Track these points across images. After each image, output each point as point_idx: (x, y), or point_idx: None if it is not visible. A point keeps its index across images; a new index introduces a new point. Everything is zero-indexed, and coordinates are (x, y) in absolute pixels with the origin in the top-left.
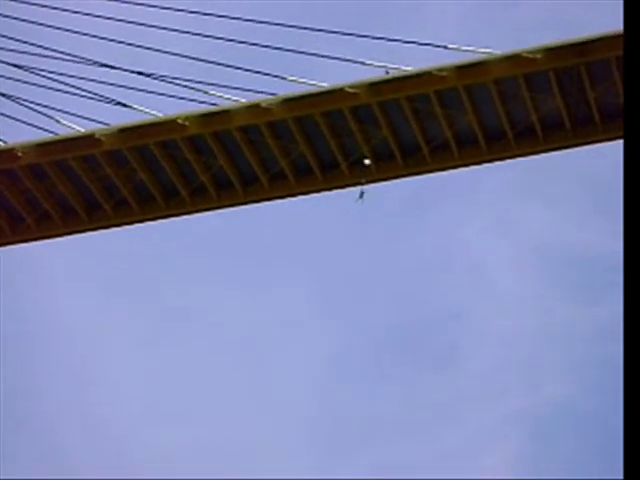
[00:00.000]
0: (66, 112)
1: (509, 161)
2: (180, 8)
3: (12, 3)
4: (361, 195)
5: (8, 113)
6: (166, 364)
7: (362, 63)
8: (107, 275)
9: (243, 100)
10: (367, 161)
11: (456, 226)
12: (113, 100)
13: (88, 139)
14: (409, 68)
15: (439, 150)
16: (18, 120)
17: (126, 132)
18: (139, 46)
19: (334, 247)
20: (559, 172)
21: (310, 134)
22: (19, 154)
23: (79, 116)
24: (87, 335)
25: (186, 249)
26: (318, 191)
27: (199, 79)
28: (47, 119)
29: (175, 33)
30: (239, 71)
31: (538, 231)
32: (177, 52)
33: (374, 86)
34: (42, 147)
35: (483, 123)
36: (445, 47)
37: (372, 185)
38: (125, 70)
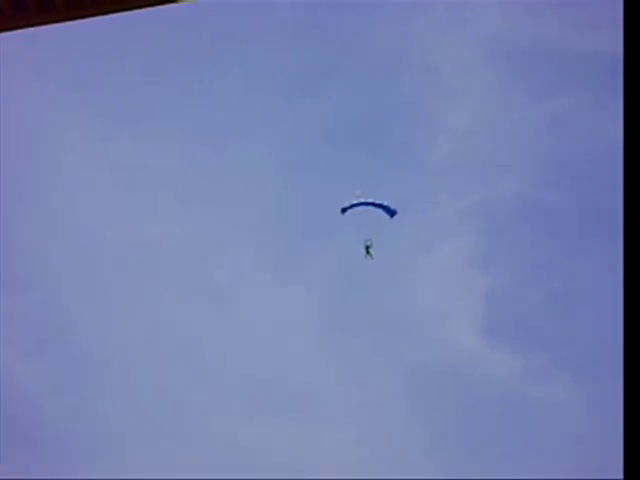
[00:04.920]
0: None
1: None
2: None
3: None
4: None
5: None
6: (117, 164)
7: None
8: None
9: None
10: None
11: (404, 22)
12: None
13: None
14: None
15: None
16: None
17: None
18: None
19: (288, 46)
20: None
21: None
22: None
23: None
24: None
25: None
26: None
27: None
28: None
29: None
30: None
31: (494, 25)
32: None
33: None
34: None
35: None
36: None
37: None
38: None
